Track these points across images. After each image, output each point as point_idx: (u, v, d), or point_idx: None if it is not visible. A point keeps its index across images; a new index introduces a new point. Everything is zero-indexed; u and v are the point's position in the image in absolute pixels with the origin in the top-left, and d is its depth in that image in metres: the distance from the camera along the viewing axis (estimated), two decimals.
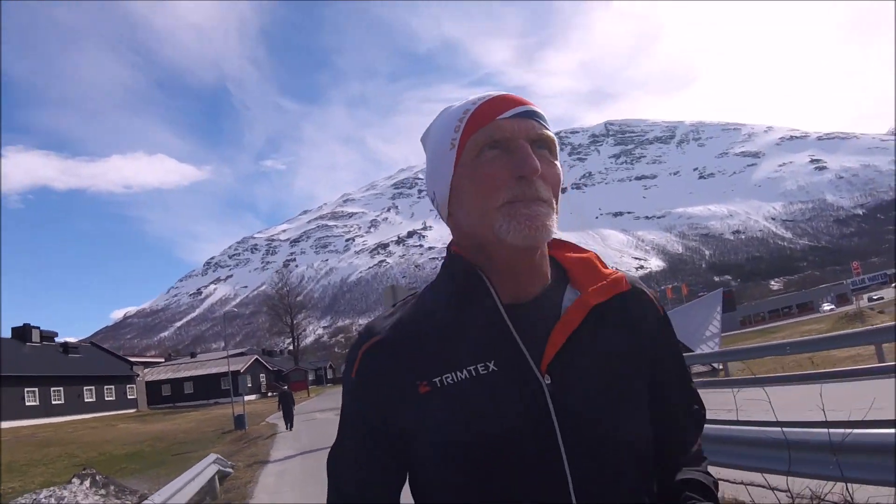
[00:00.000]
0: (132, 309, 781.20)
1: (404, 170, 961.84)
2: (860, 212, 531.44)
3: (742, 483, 6.57)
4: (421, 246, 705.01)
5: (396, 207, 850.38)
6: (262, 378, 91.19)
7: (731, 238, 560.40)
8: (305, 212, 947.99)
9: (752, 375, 16.59)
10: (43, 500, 13.15)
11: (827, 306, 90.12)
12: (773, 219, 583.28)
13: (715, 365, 25.19)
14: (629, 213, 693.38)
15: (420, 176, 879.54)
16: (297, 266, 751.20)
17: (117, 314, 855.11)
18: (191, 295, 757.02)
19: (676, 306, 41.17)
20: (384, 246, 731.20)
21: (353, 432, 1.36)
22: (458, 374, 1.24)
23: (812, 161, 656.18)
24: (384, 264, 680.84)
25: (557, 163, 1.34)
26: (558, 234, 1.36)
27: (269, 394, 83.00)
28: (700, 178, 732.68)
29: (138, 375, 76.60)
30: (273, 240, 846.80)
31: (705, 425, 1.60)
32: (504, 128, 1.27)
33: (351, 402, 1.36)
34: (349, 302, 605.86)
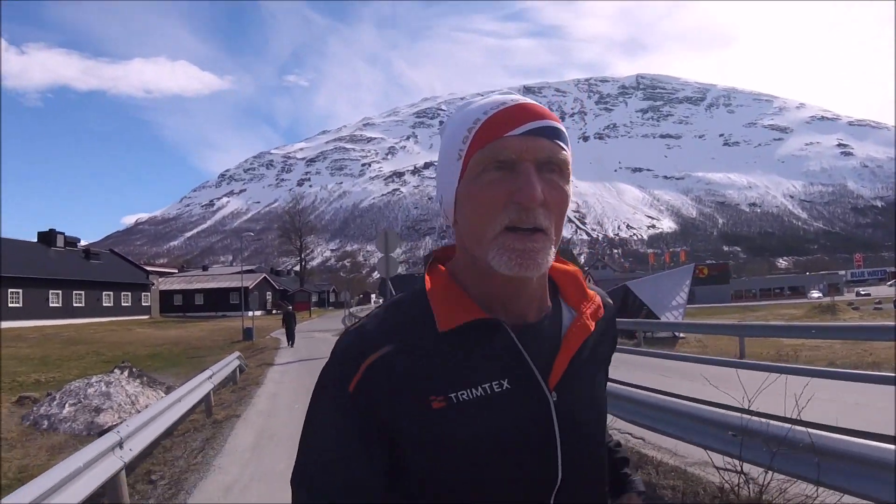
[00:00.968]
0: (144, 215, 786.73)
1: (427, 99, 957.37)
2: (879, 204, 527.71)
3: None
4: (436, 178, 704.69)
5: (416, 136, 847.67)
6: (269, 296, 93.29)
7: (747, 210, 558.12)
8: (324, 132, 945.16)
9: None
10: (94, 382, 15.66)
11: (815, 294, 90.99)
12: (792, 197, 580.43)
13: (676, 333, 26.37)
14: (649, 170, 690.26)
15: (443, 107, 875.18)
16: (311, 186, 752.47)
17: (129, 220, 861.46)
18: (203, 206, 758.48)
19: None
20: (400, 174, 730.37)
21: (344, 448, 1.26)
22: (474, 390, 1.24)
23: (839, 145, 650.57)
24: (398, 193, 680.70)
25: (567, 186, 1.28)
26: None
27: (274, 311, 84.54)
28: (725, 144, 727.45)
29: (153, 284, 79.36)
30: (289, 157, 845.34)
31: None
32: (511, 147, 1.22)
33: (343, 415, 1.27)
34: (359, 227, 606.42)
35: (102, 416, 13.74)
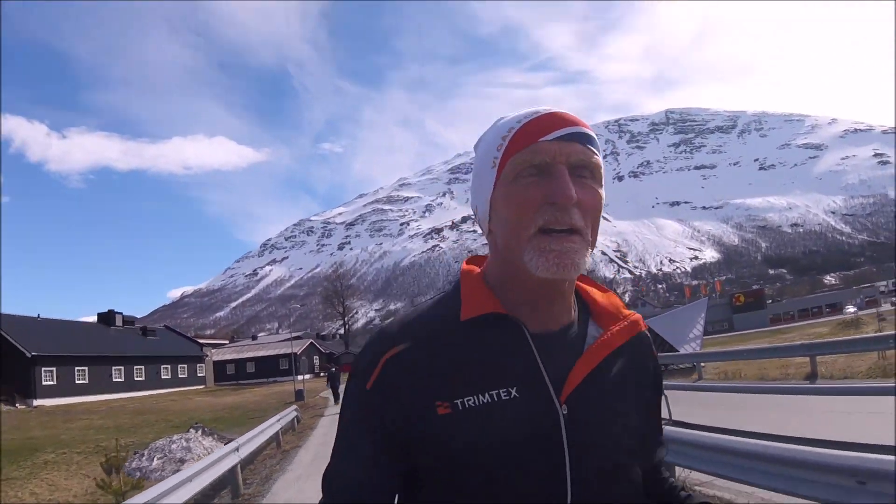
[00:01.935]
0: (189, 288, 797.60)
1: (461, 154, 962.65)
2: None
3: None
4: (475, 231, 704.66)
5: (452, 192, 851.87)
6: (316, 360, 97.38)
7: (789, 231, 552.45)
8: (361, 195, 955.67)
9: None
10: (175, 440, 18.25)
11: (851, 309, 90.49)
12: (833, 213, 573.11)
13: (694, 363, 27.00)
14: (686, 202, 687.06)
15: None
16: (351, 249, 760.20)
17: (174, 293, 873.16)
18: (247, 276, 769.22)
19: (710, 304, 42.71)
20: (438, 231, 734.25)
21: (365, 448, 1.30)
22: (480, 397, 1.23)
23: (875, 155, 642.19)
24: (437, 249, 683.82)
25: (600, 189, 1.30)
26: (591, 259, 1.31)
27: (321, 374, 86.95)
28: (760, 169, 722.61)
29: (207, 356, 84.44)
30: (329, 222, 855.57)
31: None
32: (545, 151, 1.24)
33: (364, 414, 1.32)
34: (402, 285, 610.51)
35: (185, 466, 15.64)
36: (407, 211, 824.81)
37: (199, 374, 79.60)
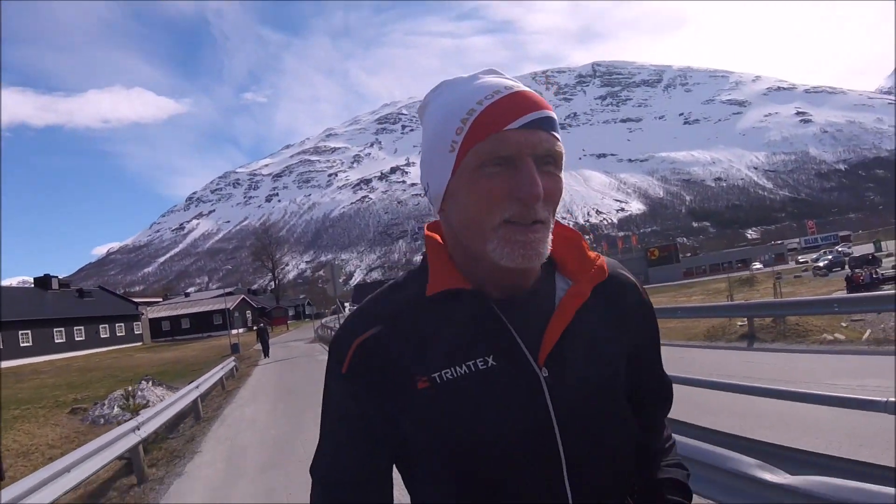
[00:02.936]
0: (115, 245, 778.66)
1: (388, 105, 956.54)
2: (842, 167, 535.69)
3: None
4: (404, 182, 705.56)
5: (380, 143, 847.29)
6: (248, 314, 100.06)
7: (713, 185, 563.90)
8: (288, 146, 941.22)
9: None
10: (130, 391, 20.10)
11: (757, 265, 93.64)
12: (756, 168, 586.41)
13: None
14: (613, 155, 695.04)
15: (404, 111, 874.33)
16: (279, 201, 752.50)
17: (100, 250, 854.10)
18: (173, 230, 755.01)
19: (626, 257, 43.13)
20: (367, 181, 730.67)
21: (346, 433, 1.29)
22: (458, 368, 1.22)
23: (798, 113, 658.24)
24: (367, 200, 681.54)
25: (561, 175, 1.25)
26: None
27: (254, 327, 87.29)
28: (685, 123, 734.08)
29: (142, 314, 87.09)
30: (255, 174, 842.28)
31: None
32: (510, 142, 1.18)
33: (341, 399, 1.30)
34: (332, 237, 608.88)
35: (143, 411, 17.88)
36: (335, 162, 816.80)
37: (136, 332, 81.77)
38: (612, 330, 1.37)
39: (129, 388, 19.11)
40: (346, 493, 1.28)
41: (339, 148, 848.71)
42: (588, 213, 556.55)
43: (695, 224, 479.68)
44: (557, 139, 1.24)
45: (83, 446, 8.36)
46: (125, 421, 14.20)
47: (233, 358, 29.78)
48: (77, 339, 67.09)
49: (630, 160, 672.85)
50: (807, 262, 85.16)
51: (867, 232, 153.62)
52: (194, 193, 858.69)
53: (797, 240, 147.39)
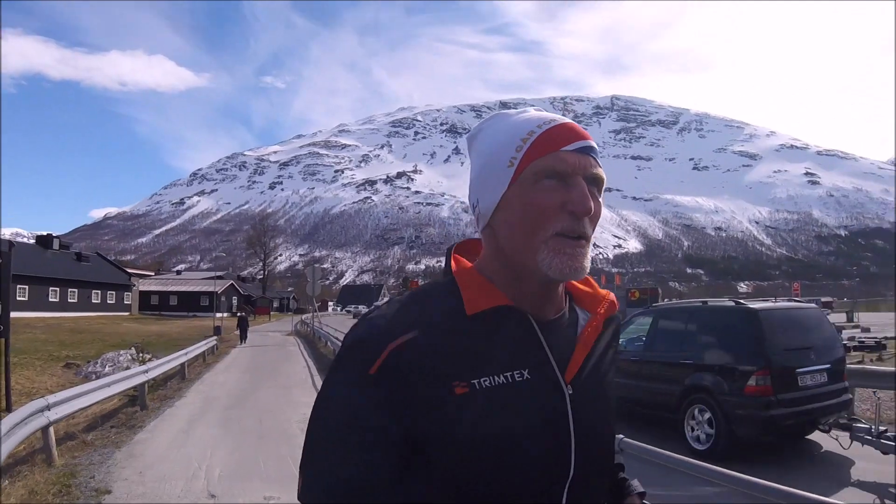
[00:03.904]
0: (113, 210, 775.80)
1: (404, 108, 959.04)
2: (842, 233, 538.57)
3: None
4: (408, 189, 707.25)
5: (390, 146, 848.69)
6: (234, 300, 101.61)
7: (712, 234, 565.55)
8: (299, 136, 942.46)
9: None
10: (121, 353, 24.08)
11: None
12: (757, 223, 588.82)
13: None
14: (618, 190, 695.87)
15: (419, 118, 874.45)
16: (282, 190, 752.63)
17: (98, 213, 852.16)
18: (173, 204, 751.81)
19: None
20: (372, 183, 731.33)
21: (357, 441, 1.23)
22: (496, 378, 1.27)
23: (807, 174, 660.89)
24: (369, 201, 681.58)
25: (601, 199, 1.37)
26: None
27: (238, 314, 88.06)
28: (694, 168, 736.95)
29: (134, 285, 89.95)
30: (263, 159, 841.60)
31: None
32: (566, 161, 1.30)
33: (358, 404, 1.25)
34: (329, 233, 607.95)
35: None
36: (343, 158, 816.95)
37: (125, 302, 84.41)
38: (612, 355, 1.54)
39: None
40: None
41: (350, 145, 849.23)
42: None
43: (689, 270, 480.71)
44: (601, 167, 1.36)
45: (109, 376, 13.73)
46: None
47: (215, 338, 34.00)
48: (70, 300, 70.02)
49: (635, 198, 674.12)
50: None
51: (852, 301, 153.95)
52: (199, 170, 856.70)
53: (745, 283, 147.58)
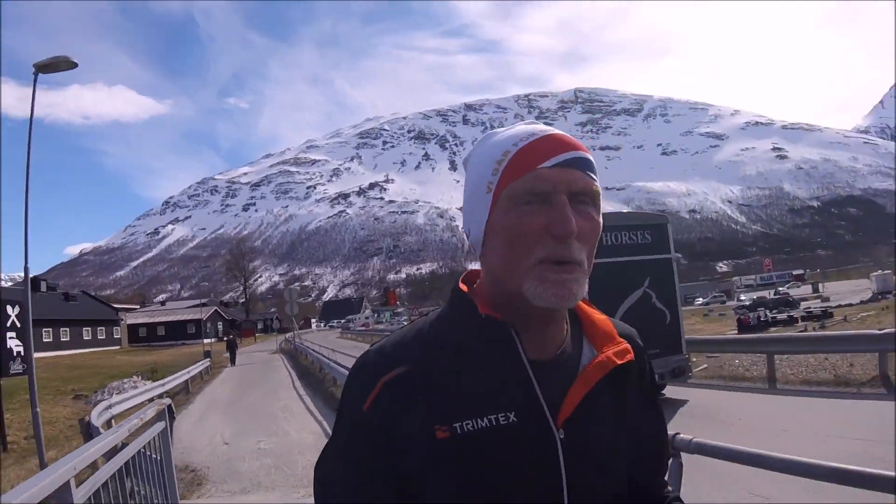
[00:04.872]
0: (88, 245, 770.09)
1: (370, 119, 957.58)
2: (815, 204, 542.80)
3: None
4: (382, 199, 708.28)
5: (360, 157, 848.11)
6: (220, 325, 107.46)
7: (686, 217, 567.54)
8: (268, 155, 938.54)
9: None
10: (125, 382, 27.30)
11: (699, 301, 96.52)
12: (730, 202, 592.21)
13: None
14: None
15: (386, 127, 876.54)
16: (256, 211, 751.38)
17: (73, 250, 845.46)
18: (148, 234, 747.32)
19: None
20: (345, 196, 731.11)
21: (353, 469, 1.29)
22: (479, 421, 1.22)
23: (774, 149, 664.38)
24: (344, 215, 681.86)
25: (599, 217, 1.29)
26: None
27: (225, 339, 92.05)
28: (663, 153, 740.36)
29: (122, 319, 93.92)
30: (234, 182, 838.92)
31: None
32: (544, 179, 1.22)
33: (355, 435, 1.30)
34: (307, 250, 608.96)
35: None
36: (314, 174, 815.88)
37: (115, 336, 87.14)
38: (628, 401, 1.41)
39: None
40: None
41: (319, 160, 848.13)
42: None
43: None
44: (594, 179, 1.28)
45: (137, 389, 20.75)
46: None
47: (207, 360, 38.66)
48: (63, 339, 72.21)
49: (607, 188, 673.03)
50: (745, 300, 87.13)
51: (823, 272, 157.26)
52: (171, 198, 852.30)
53: (754, 276, 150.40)
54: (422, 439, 1.22)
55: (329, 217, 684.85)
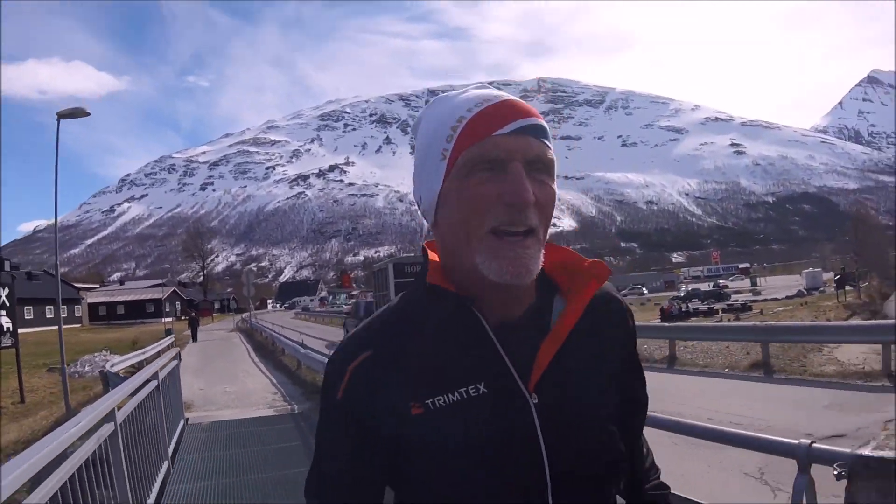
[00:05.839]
0: (42, 223, 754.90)
1: (332, 101, 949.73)
2: (770, 199, 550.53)
3: None
4: (341, 181, 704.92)
5: (321, 139, 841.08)
6: (178, 305, 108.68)
7: (644, 207, 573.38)
8: (227, 135, 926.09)
9: None
10: (96, 356, 29.52)
11: (645, 291, 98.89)
12: (687, 194, 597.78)
13: None
14: None
15: (348, 110, 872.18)
16: (214, 190, 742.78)
17: (27, 227, 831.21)
18: (103, 212, 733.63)
19: None
20: (304, 177, 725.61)
21: (341, 457, 1.29)
22: (450, 395, 1.22)
23: (733, 144, 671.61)
24: (303, 196, 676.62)
25: (554, 185, 1.27)
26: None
27: (182, 317, 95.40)
28: (623, 145, 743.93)
29: (83, 298, 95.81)
30: (192, 161, 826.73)
31: None
32: (499, 146, 1.19)
33: (335, 425, 1.31)
34: (265, 231, 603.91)
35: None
36: (273, 155, 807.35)
37: (76, 315, 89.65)
38: (604, 353, 1.37)
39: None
40: None
41: (280, 141, 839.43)
42: None
43: (623, 244, 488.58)
44: (549, 147, 1.25)
45: (128, 355, 24.82)
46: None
47: (171, 337, 38.65)
48: (27, 317, 74.37)
49: (566, 177, 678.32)
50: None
51: (770, 266, 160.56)
52: (128, 175, 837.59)
53: (701, 268, 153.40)
54: (397, 418, 1.22)
55: (288, 198, 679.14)
